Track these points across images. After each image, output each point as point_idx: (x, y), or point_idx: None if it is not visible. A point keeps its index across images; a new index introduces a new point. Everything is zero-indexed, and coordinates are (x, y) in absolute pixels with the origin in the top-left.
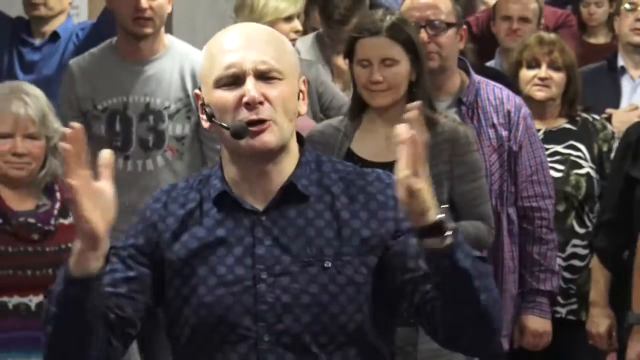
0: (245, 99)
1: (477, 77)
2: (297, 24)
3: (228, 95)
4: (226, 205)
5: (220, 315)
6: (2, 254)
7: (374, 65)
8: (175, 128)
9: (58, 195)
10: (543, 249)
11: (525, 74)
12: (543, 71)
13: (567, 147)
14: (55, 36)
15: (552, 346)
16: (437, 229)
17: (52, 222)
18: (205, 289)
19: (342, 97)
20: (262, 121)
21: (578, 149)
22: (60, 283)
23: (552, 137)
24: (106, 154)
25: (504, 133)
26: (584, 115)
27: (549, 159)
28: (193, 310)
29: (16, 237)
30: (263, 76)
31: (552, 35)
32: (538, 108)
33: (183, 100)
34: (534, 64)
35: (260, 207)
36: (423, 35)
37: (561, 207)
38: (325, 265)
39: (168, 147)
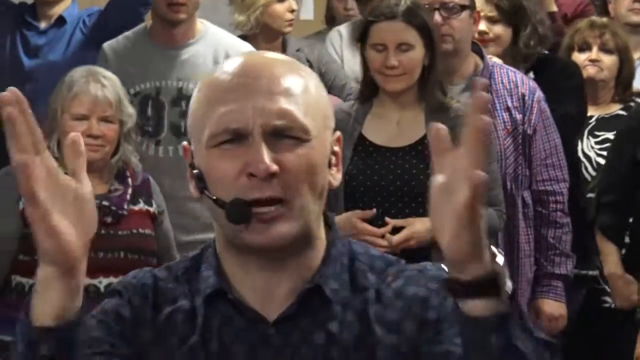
0: (250, 169)
1: (491, 61)
2: (292, 3)
3: (226, 160)
4: (222, 308)
5: None
6: None
7: (390, 50)
8: None
9: (130, 181)
10: (558, 232)
11: (577, 57)
12: (594, 53)
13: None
14: (61, 21)
15: (602, 336)
16: (490, 284)
17: (125, 206)
18: None
19: (345, 76)
20: (273, 201)
21: None
22: (21, 340)
23: (604, 124)
24: (72, 136)
25: (519, 116)
26: (639, 100)
27: (598, 147)
28: None
29: None
30: (279, 135)
31: (604, 19)
32: (590, 91)
33: None
34: (585, 47)
35: (267, 313)
36: (437, 17)
37: None
38: None
39: None
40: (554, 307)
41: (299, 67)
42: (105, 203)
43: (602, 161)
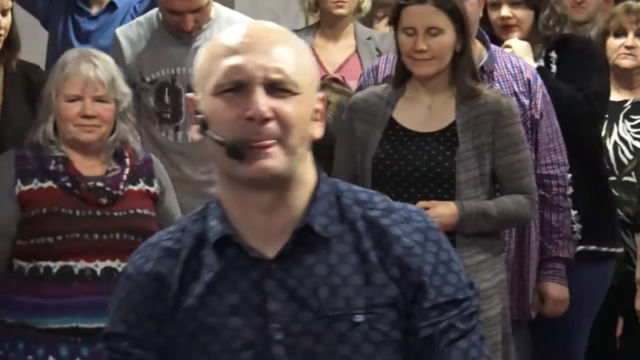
0: (249, 113)
1: (492, 46)
2: None
3: (228, 106)
4: (228, 252)
5: None
6: (70, 217)
7: (419, 34)
8: None
9: (127, 161)
10: (561, 216)
11: (612, 42)
12: (630, 39)
13: None
14: (112, 6)
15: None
16: None
17: (121, 187)
18: (207, 359)
19: None
20: (266, 141)
21: None
22: None
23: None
24: None
25: (526, 102)
26: None
27: (634, 130)
28: None
29: (85, 201)
30: (275, 87)
31: None
32: (625, 78)
33: None
34: (621, 32)
35: (269, 252)
36: None
37: None
38: (356, 319)
39: None
40: (559, 290)
41: (293, 36)
42: (99, 184)
43: (639, 145)
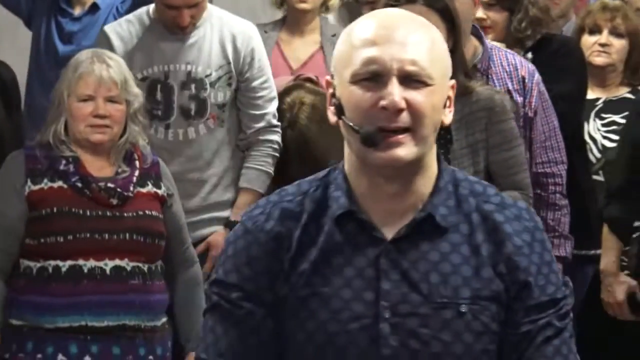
0: (383, 103)
1: (489, 44)
2: None
3: (364, 94)
4: (349, 226)
5: (330, 358)
6: (80, 217)
7: None
8: (217, 95)
9: (137, 163)
10: (557, 214)
11: (587, 39)
12: (603, 37)
13: (625, 117)
14: (94, 7)
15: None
16: None
17: (131, 188)
18: (315, 325)
19: None
20: (399, 131)
21: None
22: None
23: (611, 106)
24: None
25: (519, 99)
26: None
27: (604, 129)
28: (299, 348)
29: (95, 202)
30: (409, 79)
31: (617, 2)
32: (598, 75)
33: (224, 67)
34: (596, 29)
35: (387, 233)
36: None
37: None
38: (462, 309)
39: (210, 115)
40: None
41: (427, 24)
42: (110, 185)
43: (607, 144)
